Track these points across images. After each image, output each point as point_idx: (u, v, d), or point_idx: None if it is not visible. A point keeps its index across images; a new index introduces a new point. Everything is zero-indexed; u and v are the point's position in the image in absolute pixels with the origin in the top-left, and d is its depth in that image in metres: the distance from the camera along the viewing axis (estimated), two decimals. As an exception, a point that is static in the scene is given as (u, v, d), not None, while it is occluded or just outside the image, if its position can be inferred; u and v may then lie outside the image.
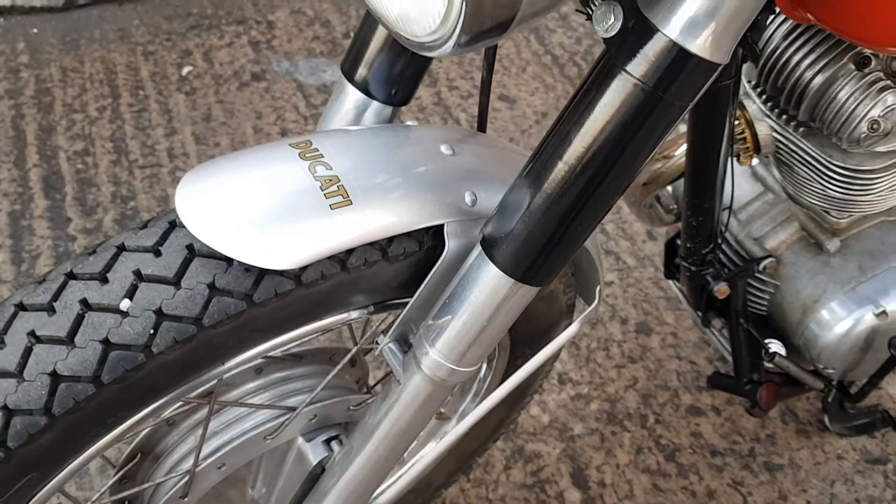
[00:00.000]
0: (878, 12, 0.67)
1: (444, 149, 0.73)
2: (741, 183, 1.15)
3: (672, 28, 0.55)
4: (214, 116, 2.06)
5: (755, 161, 1.04)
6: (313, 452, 0.86)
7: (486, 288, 0.68)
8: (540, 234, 0.65)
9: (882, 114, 0.86)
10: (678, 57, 0.55)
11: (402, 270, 0.72)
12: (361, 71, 0.78)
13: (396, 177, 0.68)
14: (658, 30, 0.55)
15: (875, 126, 0.87)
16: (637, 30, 0.56)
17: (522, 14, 0.50)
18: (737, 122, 0.99)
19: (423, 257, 0.72)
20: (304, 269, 0.64)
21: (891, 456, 1.47)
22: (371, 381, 1.05)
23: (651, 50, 0.55)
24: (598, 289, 0.99)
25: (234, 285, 0.62)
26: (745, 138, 0.99)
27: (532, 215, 0.64)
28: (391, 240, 0.69)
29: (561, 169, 0.62)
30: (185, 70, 2.17)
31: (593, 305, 1.00)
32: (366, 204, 0.65)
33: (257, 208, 0.62)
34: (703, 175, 0.97)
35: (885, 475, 1.45)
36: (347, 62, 0.79)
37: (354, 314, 0.75)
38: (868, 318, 1.05)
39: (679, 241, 1.14)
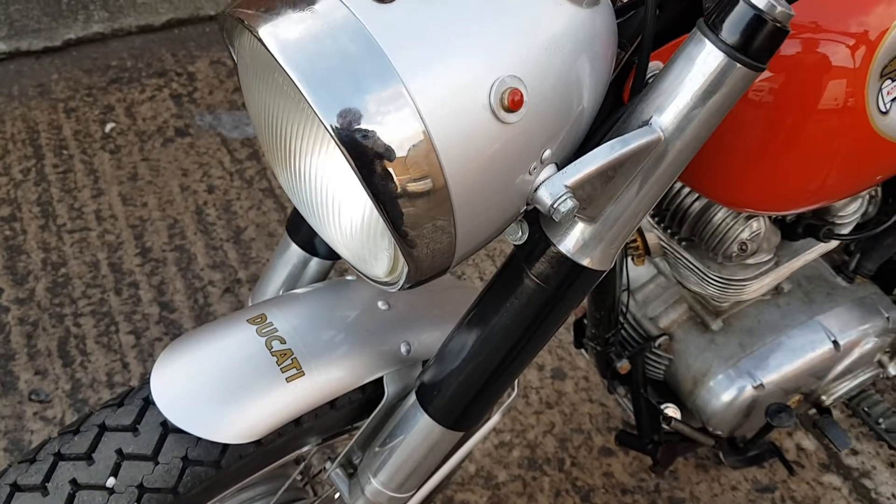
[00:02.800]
0: (727, 185, 0.82)
1: (380, 304, 0.84)
2: (636, 268, 1.29)
3: (565, 245, 0.67)
4: (140, 175, 2.11)
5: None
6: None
7: (420, 433, 0.79)
8: (464, 392, 0.77)
9: (749, 237, 1.02)
10: (570, 268, 0.68)
11: (348, 413, 0.84)
12: (303, 231, 0.88)
13: (340, 339, 0.79)
14: (554, 245, 0.67)
15: (744, 247, 1.02)
16: (539, 243, 0.68)
17: (457, 262, 0.61)
18: (629, 231, 1.13)
19: (366, 400, 0.83)
20: (266, 436, 0.75)
21: (778, 483, 1.66)
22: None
23: (548, 260, 0.68)
24: (517, 380, 1.13)
25: (205, 456, 0.72)
26: (637, 245, 1.13)
27: (458, 375, 0.76)
28: (340, 397, 0.80)
29: (479, 341, 0.74)
30: (109, 127, 2.21)
31: (513, 396, 1.13)
32: (316, 372, 0.76)
33: (221, 389, 0.72)
34: (603, 284, 1.11)
35: (773, 502, 1.63)
36: (290, 223, 0.89)
37: (305, 449, 0.86)
38: (748, 390, 1.21)
39: (586, 322, 1.28)
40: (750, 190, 0.84)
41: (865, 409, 1.40)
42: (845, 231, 1.09)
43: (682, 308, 1.27)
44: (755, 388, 1.21)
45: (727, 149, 0.80)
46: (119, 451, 0.71)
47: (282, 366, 0.74)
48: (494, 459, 1.65)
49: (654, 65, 0.66)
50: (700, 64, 0.60)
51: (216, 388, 0.72)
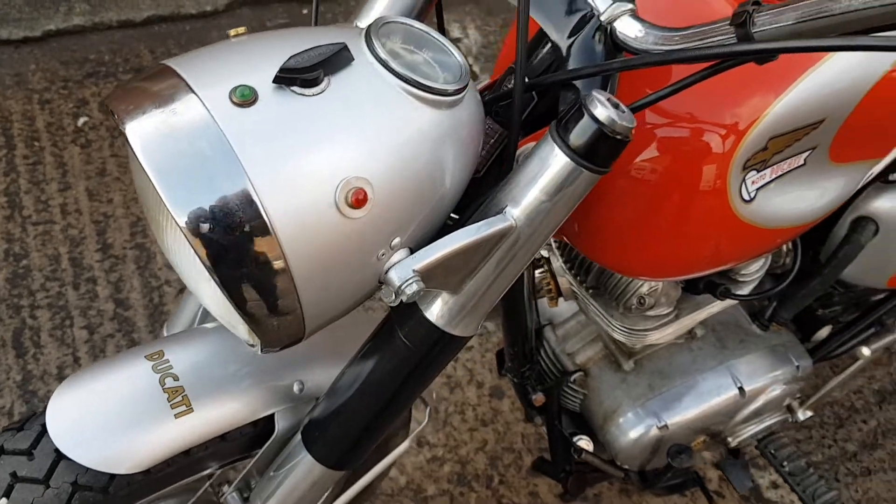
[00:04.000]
0: (613, 253, 0.88)
1: (277, 343, 0.89)
2: (562, 302, 1.35)
3: (431, 312, 0.73)
4: (109, 171, 2.15)
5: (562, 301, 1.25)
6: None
7: (302, 470, 0.85)
8: (344, 436, 0.83)
9: (647, 292, 1.07)
10: (434, 334, 0.73)
11: (243, 443, 0.89)
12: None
13: (233, 376, 0.85)
14: (421, 311, 0.73)
15: (642, 300, 1.08)
16: (410, 307, 0.74)
17: (313, 332, 0.67)
18: (544, 272, 1.19)
19: (259, 433, 0.89)
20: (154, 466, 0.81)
21: (697, 512, 1.72)
22: None
23: (416, 324, 0.73)
24: (428, 409, 1.19)
25: (93, 482, 0.78)
26: (550, 287, 1.19)
27: (339, 420, 0.82)
28: (230, 431, 0.85)
29: (358, 391, 0.80)
30: (81, 121, 2.26)
31: (423, 424, 1.19)
32: (205, 409, 0.81)
33: (111, 422, 0.78)
34: (513, 318, 1.17)
35: (691, 529, 1.70)
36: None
37: (206, 471, 0.92)
38: (653, 430, 1.27)
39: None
40: (632, 258, 0.89)
41: (772, 451, 1.46)
42: (745, 291, 1.14)
43: (598, 346, 1.32)
44: (660, 428, 1.27)
45: (614, 220, 0.85)
46: (13, 474, 0.76)
47: (172, 402, 0.80)
48: (425, 473, 1.71)
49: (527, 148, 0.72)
50: (549, 164, 0.65)
51: (107, 420, 0.78)
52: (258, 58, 0.58)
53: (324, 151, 0.57)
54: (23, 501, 0.76)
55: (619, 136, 0.64)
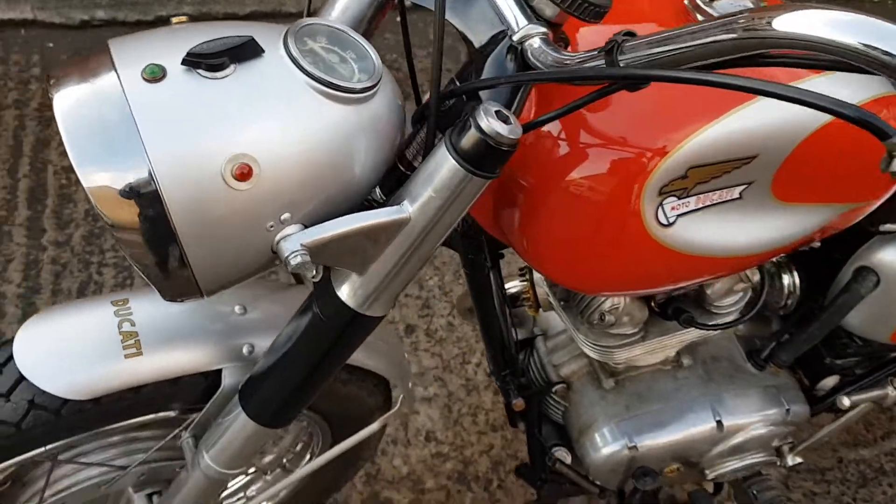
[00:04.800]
0: (555, 266, 0.92)
1: (236, 308, 0.99)
2: (556, 316, 1.39)
3: (342, 290, 0.79)
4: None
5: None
6: (137, 502, 1.13)
7: (238, 424, 0.93)
8: (272, 398, 0.91)
9: (609, 309, 1.10)
10: (343, 310, 0.80)
11: (196, 393, 0.99)
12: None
13: (186, 331, 0.94)
14: (334, 288, 0.80)
15: (603, 317, 1.11)
16: (326, 284, 0.81)
17: (213, 291, 0.74)
18: (525, 282, 1.23)
19: (212, 385, 0.98)
20: (103, 398, 0.91)
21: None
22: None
23: (329, 300, 0.80)
24: (400, 396, 1.25)
25: (48, 403, 0.89)
26: (528, 297, 1.23)
27: (269, 382, 0.90)
28: (180, 378, 0.95)
29: (285, 357, 0.88)
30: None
31: (393, 410, 1.26)
32: (153, 355, 0.91)
33: (68, 353, 0.89)
34: (487, 326, 1.22)
35: (681, 563, 1.68)
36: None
37: (168, 413, 1.02)
38: (623, 450, 1.29)
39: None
40: (567, 270, 0.93)
41: (755, 491, 1.44)
42: (711, 322, 1.15)
43: (583, 361, 1.35)
44: (630, 448, 1.28)
45: (552, 231, 0.89)
46: (-20, 389, 0.88)
47: (124, 344, 0.90)
48: (427, 467, 1.77)
49: None
50: (442, 166, 0.71)
51: (64, 351, 0.89)
52: (181, 42, 0.67)
53: (216, 128, 0.65)
54: (-15, 411, 0.88)
55: (503, 147, 0.69)
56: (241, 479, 1.45)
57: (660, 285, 0.98)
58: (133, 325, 0.92)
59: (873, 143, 0.56)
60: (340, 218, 0.72)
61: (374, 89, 0.72)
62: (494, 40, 0.76)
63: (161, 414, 1.01)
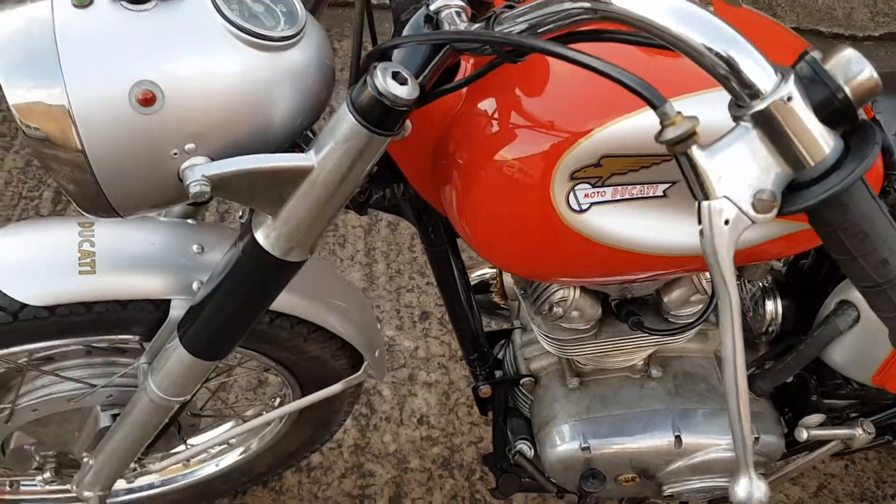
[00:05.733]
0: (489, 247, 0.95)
1: (194, 247, 1.06)
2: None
3: (259, 234, 0.85)
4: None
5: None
6: (102, 420, 1.22)
7: (177, 355, 1.00)
8: (204, 331, 0.97)
9: (557, 301, 1.12)
10: (258, 250, 0.85)
11: (148, 319, 1.06)
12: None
13: (141, 260, 1.02)
14: (252, 229, 0.86)
15: (552, 308, 1.12)
16: (248, 227, 0.86)
17: (129, 212, 0.81)
18: (493, 268, 1.26)
19: (163, 315, 1.06)
20: (57, 306, 0.99)
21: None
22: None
23: (249, 241, 0.86)
24: (364, 364, 1.30)
25: (7, 305, 0.98)
26: (496, 285, 1.26)
27: (202, 317, 0.96)
28: (130, 301, 1.02)
29: (217, 291, 0.94)
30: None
31: (355, 375, 1.31)
32: (106, 275, 0.99)
33: (29, 263, 0.98)
34: (454, 312, 1.26)
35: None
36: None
37: (128, 337, 1.10)
38: (576, 449, 1.29)
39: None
40: (493, 249, 0.95)
41: (718, 519, 1.41)
42: (660, 327, 1.15)
43: (553, 358, 1.36)
44: (582, 449, 1.29)
45: (481, 209, 0.92)
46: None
47: (80, 262, 0.98)
48: (415, 447, 1.81)
49: None
50: (343, 121, 0.75)
51: (26, 259, 0.98)
52: None
53: (127, 55, 0.71)
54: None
55: (398, 107, 0.73)
56: (227, 426, 1.53)
57: (582, 275, 0.99)
58: (93, 245, 1.00)
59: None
60: (245, 157, 0.77)
61: (294, 40, 0.77)
62: (415, 6, 0.80)
63: (121, 337, 1.10)
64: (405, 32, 0.79)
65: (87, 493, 1.25)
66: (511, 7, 0.69)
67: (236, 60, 0.75)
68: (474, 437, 1.84)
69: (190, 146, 0.75)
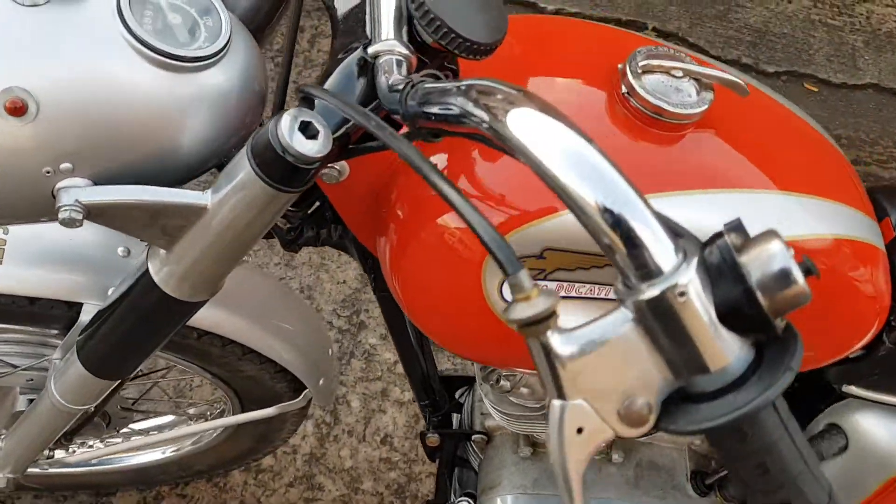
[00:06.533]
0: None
1: (120, 250, 0.97)
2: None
3: (152, 264, 0.76)
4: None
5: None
6: (18, 403, 1.16)
7: (74, 368, 0.92)
8: (100, 350, 0.88)
9: (505, 374, 1.01)
10: (148, 283, 0.76)
11: (58, 319, 0.99)
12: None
13: (56, 257, 0.94)
14: (148, 260, 0.76)
15: (499, 380, 1.01)
16: (146, 254, 0.77)
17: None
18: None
19: (74, 316, 0.98)
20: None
21: None
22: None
23: (143, 274, 0.77)
24: (305, 391, 1.22)
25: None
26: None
27: (100, 334, 0.88)
28: (38, 299, 0.95)
29: (115, 317, 0.85)
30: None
31: (293, 401, 1.22)
32: (14, 268, 0.91)
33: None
34: (406, 358, 1.16)
35: None
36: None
37: (44, 330, 1.03)
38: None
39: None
40: (428, 320, 0.85)
41: None
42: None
43: (510, 420, 1.26)
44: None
45: (416, 273, 0.81)
46: None
47: (-15, 248, 0.91)
48: (372, 468, 1.72)
49: None
50: (241, 169, 0.65)
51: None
52: None
53: (3, 55, 0.62)
54: None
55: (300, 164, 0.62)
56: (166, 419, 1.46)
57: (517, 365, 0.88)
58: (6, 233, 0.92)
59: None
60: (130, 186, 0.68)
61: (209, 61, 0.67)
62: (353, 14, 0.69)
63: (35, 330, 1.03)
64: (338, 72, 0.68)
65: (-3, 475, 1.20)
66: (436, 78, 0.58)
67: (132, 78, 0.65)
68: (434, 469, 1.74)
69: (66, 166, 0.66)
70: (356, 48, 0.68)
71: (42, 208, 0.70)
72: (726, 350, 0.44)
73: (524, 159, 0.47)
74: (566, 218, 0.70)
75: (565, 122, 0.47)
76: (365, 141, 0.69)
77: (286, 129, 0.62)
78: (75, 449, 1.40)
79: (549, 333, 0.45)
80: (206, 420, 1.37)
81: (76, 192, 0.66)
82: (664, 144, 0.75)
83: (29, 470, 1.30)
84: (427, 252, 0.78)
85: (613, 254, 0.45)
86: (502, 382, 1.01)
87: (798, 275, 0.42)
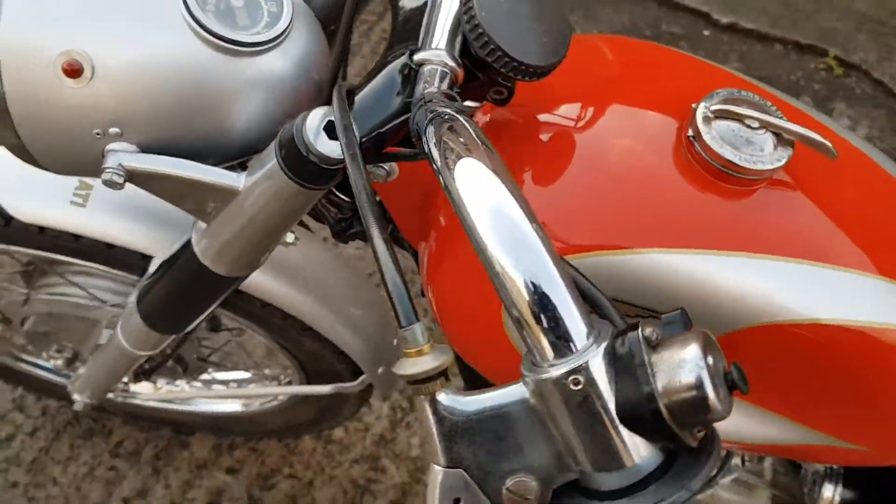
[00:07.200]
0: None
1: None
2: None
3: (194, 233, 0.78)
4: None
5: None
6: (101, 336, 1.23)
7: (135, 319, 0.97)
8: (155, 304, 0.92)
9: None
10: (191, 257, 0.78)
11: (134, 266, 1.04)
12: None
13: (137, 210, 0.99)
14: (193, 229, 0.79)
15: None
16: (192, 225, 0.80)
17: (57, 171, 0.75)
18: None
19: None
20: (46, 228, 0.99)
21: None
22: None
23: (187, 243, 0.80)
24: (362, 377, 1.23)
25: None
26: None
27: (154, 290, 0.92)
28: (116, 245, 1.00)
29: (167, 276, 0.88)
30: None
31: (351, 384, 1.24)
32: (95, 213, 0.97)
33: (30, 179, 0.96)
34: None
35: None
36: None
37: (123, 273, 1.09)
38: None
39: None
40: (459, 337, 0.82)
41: None
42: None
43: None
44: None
45: (449, 285, 0.79)
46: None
47: (75, 192, 0.97)
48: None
49: None
50: (270, 159, 0.65)
51: (28, 176, 0.94)
52: None
53: (70, 18, 0.65)
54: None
55: (324, 165, 0.62)
56: (246, 375, 1.52)
57: None
58: (93, 179, 0.97)
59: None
60: (171, 158, 0.69)
61: (264, 47, 0.67)
62: (414, 17, 0.67)
63: (116, 272, 1.09)
64: (382, 76, 0.67)
65: (76, 396, 1.28)
66: (452, 99, 0.55)
67: (186, 56, 0.66)
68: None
69: (114, 130, 0.68)
70: (404, 48, 0.67)
71: (91, 166, 0.73)
72: (622, 450, 0.40)
73: (454, 206, 0.44)
74: (585, 261, 0.66)
75: (509, 186, 0.43)
76: (404, 146, 0.68)
77: (312, 127, 0.61)
78: (159, 387, 1.49)
79: (438, 394, 0.42)
80: (278, 384, 1.41)
81: (121, 156, 0.69)
82: (727, 197, 0.68)
83: (114, 399, 1.39)
84: (464, 264, 0.75)
85: (521, 328, 0.42)
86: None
87: (708, 388, 0.37)
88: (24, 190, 0.97)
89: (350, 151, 0.52)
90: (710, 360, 0.39)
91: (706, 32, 2.57)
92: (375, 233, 0.46)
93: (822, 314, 0.66)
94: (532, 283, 0.41)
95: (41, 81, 0.66)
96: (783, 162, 0.67)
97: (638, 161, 0.70)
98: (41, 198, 0.97)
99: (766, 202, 0.69)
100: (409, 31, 0.69)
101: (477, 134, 0.47)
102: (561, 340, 0.41)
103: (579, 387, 0.40)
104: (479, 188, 0.43)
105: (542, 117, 0.76)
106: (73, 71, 0.65)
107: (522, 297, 0.41)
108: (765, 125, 0.67)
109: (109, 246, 1.01)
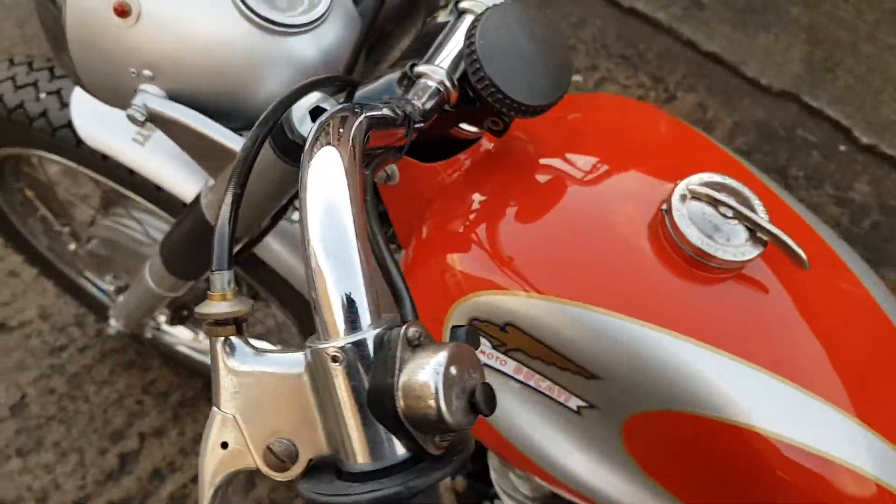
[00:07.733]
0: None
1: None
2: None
3: (203, 190, 0.83)
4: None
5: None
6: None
7: (157, 260, 1.04)
8: (174, 250, 0.99)
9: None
10: (200, 215, 0.84)
11: (176, 208, 1.12)
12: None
13: (187, 163, 1.06)
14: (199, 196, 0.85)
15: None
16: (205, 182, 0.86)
17: (102, 98, 0.82)
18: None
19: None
20: (108, 157, 1.08)
21: None
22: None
23: (194, 202, 0.86)
24: None
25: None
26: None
27: (173, 236, 0.98)
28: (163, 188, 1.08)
29: (183, 222, 0.95)
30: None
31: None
32: (151, 154, 1.05)
33: (105, 110, 1.06)
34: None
35: None
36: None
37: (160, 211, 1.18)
38: None
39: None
40: None
41: None
42: None
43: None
44: None
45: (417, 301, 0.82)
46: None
47: (138, 131, 1.06)
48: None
49: None
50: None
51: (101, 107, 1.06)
52: None
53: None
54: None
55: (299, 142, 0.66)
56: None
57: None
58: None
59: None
60: (189, 110, 0.75)
61: (300, 29, 0.73)
62: (433, 32, 0.71)
63: (168, 215, 1.17)
64: (381, 79, 0.71)
65: (112, 321, 1.38)
66: (399, 109, 0.58)
67: (225, 24, 0.72)
68: None
69: (147, 73, 0.75)
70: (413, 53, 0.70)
71: (123, 100, 0.80)
72: (366, 437, 0.41)
73: (300, 185, 0.46)
74: (534, 302, 0.67)
75: (350, 179, 0.45)
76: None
77: (299, 110, 0.66)
78: (200, 339, 1.57)
79: (230, 339, 0.44)
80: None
81: (148, 97, 0.75)
82: (686, 278, 0.67)
83: (149, 336, 1.49)
84: (430, 281, 0.77)
85: (314, 304, 0.43)
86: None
87: (440, 395, 0.38)
88: (97, 119, 1.07)
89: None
90: (455, 370, 0.40)
91: (842, 147, 2.47)
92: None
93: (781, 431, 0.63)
94: (332, 267, 0.43)
95: (95, 16, 0.74)
96: (747, 257, 0.65)
97: (614, 222, 0.71)
98: (109, 130, 1.07)
99: (727, 295, 0.68)
100: (426, 45, 0.73)
101: (357, 133, 0.49)
102: (340, 322, 0.42)
103: (336, 364, 0.41)
104: (324, 175, 0.45)
105: (546, 161, 0.77)
106: (122, 11, 0.72)
107: (322, 278, 0.43)
108: (739, 216, 0.66)
109: (158, 188, 1.09)
